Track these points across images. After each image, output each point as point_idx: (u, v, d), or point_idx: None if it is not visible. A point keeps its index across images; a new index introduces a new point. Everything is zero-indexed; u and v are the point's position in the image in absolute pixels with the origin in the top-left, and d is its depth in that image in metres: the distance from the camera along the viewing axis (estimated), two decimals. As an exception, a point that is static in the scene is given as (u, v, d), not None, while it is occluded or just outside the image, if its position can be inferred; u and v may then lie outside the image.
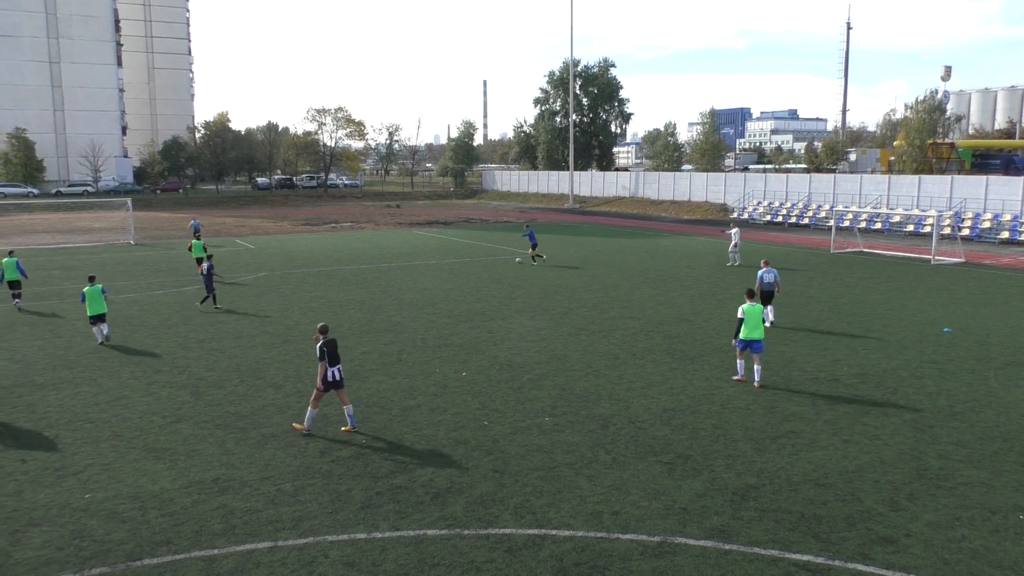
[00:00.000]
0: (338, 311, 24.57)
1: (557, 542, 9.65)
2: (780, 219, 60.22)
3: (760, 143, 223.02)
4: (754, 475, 11.67)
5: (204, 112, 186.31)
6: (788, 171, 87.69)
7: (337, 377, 13.36)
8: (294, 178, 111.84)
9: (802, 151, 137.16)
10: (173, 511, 10.57)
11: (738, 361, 16.54)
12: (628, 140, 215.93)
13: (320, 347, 13.22)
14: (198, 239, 33.58)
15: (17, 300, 25.66)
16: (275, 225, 60.98)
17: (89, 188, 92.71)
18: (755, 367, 16.14)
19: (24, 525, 10.21)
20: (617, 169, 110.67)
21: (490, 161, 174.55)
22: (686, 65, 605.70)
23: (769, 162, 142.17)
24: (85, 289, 20.49)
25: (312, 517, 10.36)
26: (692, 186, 75.10)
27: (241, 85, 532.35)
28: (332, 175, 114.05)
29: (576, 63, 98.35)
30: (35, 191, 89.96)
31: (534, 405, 15.03)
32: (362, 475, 11.71)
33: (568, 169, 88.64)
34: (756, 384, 16.05)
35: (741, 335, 15.96)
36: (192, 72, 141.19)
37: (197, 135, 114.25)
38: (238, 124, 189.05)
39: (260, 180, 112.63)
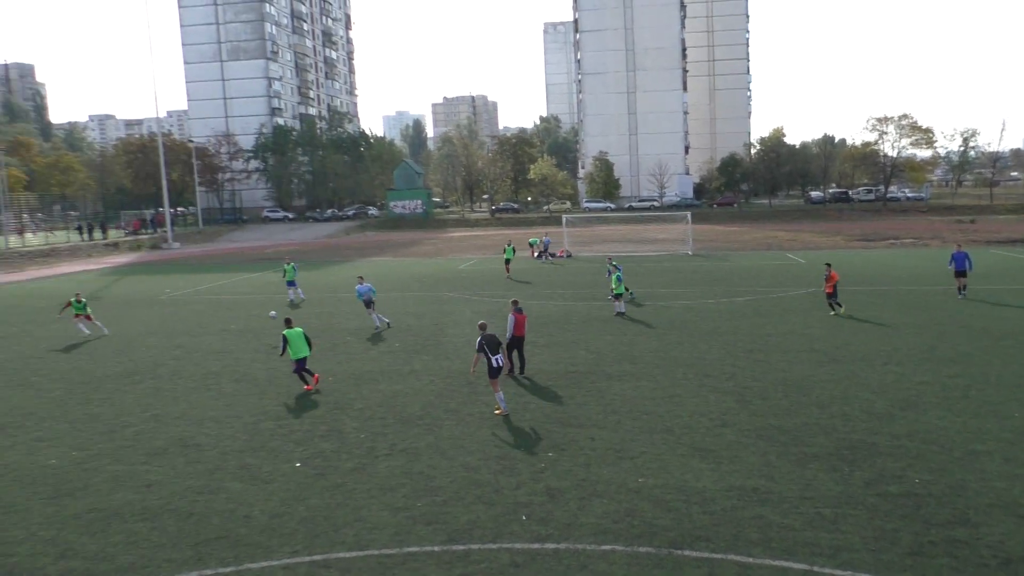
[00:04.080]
0: (892, 335, 22.71)
1: None
2: None
3: None
4: None
5: (760, 128, 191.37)
6: None
7: (499, 364, 15.53)
8: (850, 191, 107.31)
9: None
10: (713, 511, 10.97)
11: None
12: None
13: (479, 341, 15.75)
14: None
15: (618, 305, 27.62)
16: (827, 240, 59.32)
17: (655, 203, 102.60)
18: None
19: (588, 495, 11.68)
20: None
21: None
22: None
23: None
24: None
25: (852, 549, 9.73)
26: None
27: (797, 99, 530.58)
28: (892, 187, 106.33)
29: None
30: (612, 206, 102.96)
31: None
32: (912, 517, 10.59)
33: None
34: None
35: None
36: (749, 90, 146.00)
37: (752, 151, 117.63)
38: (792, 138, 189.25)
39: (813, 194, 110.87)
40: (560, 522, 10.78)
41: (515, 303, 19.14)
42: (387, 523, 10.94)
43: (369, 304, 26.22)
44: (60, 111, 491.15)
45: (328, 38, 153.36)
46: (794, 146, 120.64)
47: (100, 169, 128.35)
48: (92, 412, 17.04)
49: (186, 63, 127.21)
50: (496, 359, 15.60)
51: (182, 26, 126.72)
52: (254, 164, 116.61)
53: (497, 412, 15.78)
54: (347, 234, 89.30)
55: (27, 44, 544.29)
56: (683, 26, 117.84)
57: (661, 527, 10.51)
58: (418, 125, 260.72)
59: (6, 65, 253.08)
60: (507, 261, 40.52)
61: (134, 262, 61.94)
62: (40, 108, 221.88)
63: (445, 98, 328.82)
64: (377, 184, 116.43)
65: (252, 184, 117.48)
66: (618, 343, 22.63)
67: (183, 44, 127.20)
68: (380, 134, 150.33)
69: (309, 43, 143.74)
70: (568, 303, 30.67)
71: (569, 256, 50.62)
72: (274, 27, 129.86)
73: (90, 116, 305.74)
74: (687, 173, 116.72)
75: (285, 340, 17.87)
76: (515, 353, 19.04)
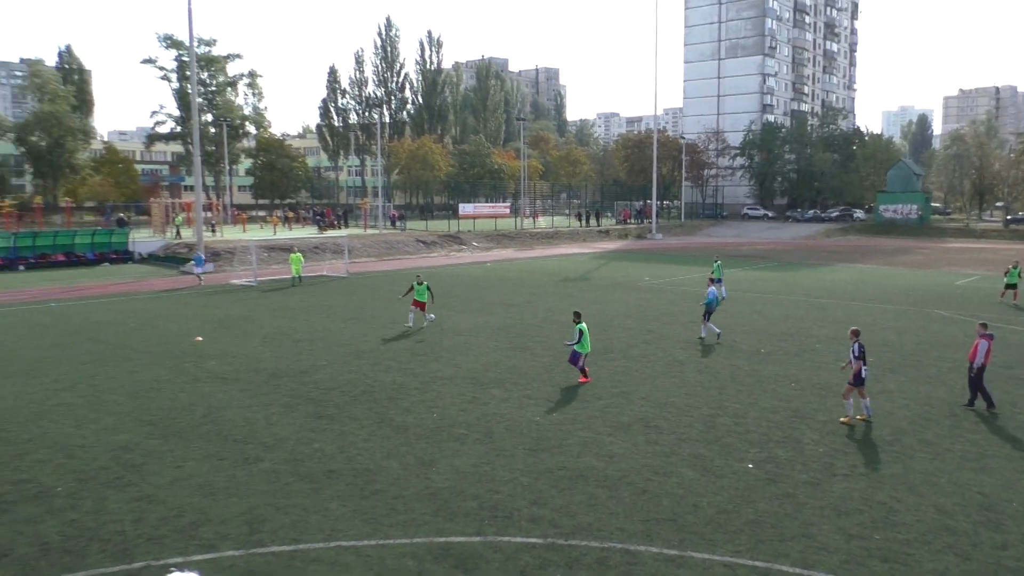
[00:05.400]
0: None
1: None
2: None
3: None
4: None
5: None
6: None
7: (865, 375, 15.59)
8: None
9: None
10: None
11: None
12: None
13: (860, 347, 15.62)
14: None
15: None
16: None
17: None
18: None
19: None
20: None
21: None
22: None
23: None
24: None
25: None
26: None
27: None
28: None
29: None
30: None
31: None
32: None
33: None
34: None
35: None
36: None
37: None
38: None
39: None
40: (1056, 602, 8.98)
41: (984, 326, 17.01)
42: (838, 547, 10.30)
43: (709, 314, 24.76)
44: (575, 110, 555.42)
45: (830, 30, 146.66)
46: None
47: (601, 162, 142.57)
48: (569, 381, 19.11)
49: (686, 62, 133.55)
50: (864, 369, 15.80)
51: (686, 27, 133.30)
52: (739, 161, 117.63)
53: (860, 418, 15.82)
54: (827, 236, 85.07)
55: (554, 50, 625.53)
56: None
57: None
58: (923, 121, 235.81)
59: (537, 69, 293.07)
60: (1010, 286, 33.31)
61: (620, 249, 67.46)
62: (559, 107, 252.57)
63: (961, 90, 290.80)
64: (867, 185, 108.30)
65: (735, 181, 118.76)
66: None
67: (685, 44, 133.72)
68: (877, 131, 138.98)
69: (809, 36, 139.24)
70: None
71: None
72: (774, 22, 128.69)
73: (598, 114, 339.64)
74: None
75: (580, 333, 18.75)
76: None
